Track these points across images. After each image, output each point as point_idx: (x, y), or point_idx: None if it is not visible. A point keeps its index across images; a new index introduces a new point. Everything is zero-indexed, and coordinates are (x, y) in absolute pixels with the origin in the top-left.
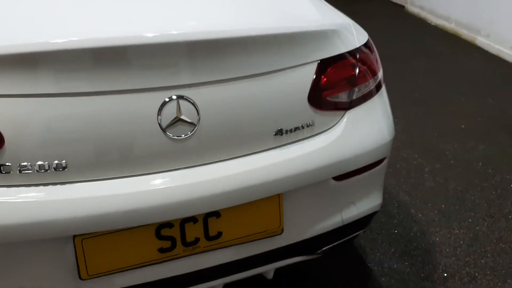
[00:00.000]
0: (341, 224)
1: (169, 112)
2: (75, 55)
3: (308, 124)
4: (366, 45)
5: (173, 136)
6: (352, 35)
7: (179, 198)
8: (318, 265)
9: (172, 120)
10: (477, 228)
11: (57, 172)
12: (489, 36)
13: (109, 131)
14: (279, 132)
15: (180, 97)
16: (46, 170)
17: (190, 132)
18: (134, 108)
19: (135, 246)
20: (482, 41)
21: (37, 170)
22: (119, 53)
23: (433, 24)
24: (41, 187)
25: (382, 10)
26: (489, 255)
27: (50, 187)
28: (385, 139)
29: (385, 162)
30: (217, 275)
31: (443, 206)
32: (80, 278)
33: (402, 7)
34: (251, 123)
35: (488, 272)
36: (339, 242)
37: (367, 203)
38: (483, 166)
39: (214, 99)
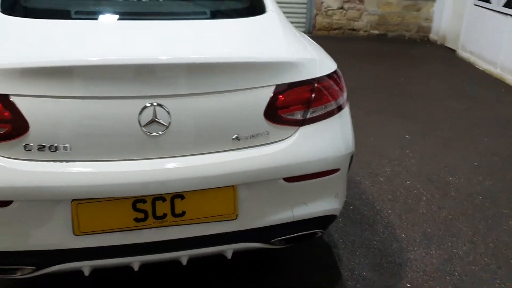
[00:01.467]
0: (291, 220)
1: (147, 115)
2: (86, 70)
3: (263, 133)
4: (330, 75)
5: (149, 132)
6: (313, 67)
7: (151, 179)
8: (292, 263)
9: (149, 121)
10: (454, 251)
11: (63, 152)
12: None
13: (102, 126)
14: (236, 138)
15: (156, 104)
16: (56, 150)
17: (162, 132)
18: (122, 110)
19: (116, 214)
20: None
21: (49, 150)
22: (113, 69)
23: (480, 68)
24: (52, 162)
25: (435, 54)
26: (456, 273)
27: (57, 163)
28: (338, 153)
29: (339, 173)
30: (181, 247)
31: (428, 230)
32: (73, 233)
33: (454, 51)
34: (213, 128)
35: None
36: (291, 235)
37: (319, 206)
38: (482, 199)
39: (184, 107)
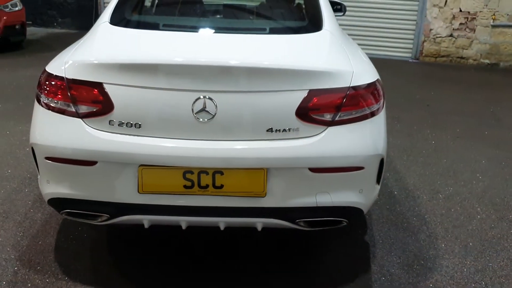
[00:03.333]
0: (315, 205)
1: (199, 105)
2: (157, 67)
3: (294, 129)
4: (366, 85)
5: (199, 119)
6: (347, 77)
7: (198, 155)
8: (327, 254)
9: (200, 109)
10: (490, 264)
11: (136, 129)
12: None
13: (165, 110)
14: (270, 130)
15: (207, 97)
16: (131, 126)
17: (209, 119)
18: (181, 100)
19: (170, 180)
20: None
21: (126, 126)
22: (177, 68)
23: None
24: (127, 136)
25: None
26: (483, 283)
27: (131, 136)
28: (365, 152)
29: (364, 171)
30: (219, 214)
31: (471, 244)
32: (138, 191)
33: None
34: (251, 120)
35: None
36: (314, 219)
37: (342, 197)
38: None
39: (229, 101)
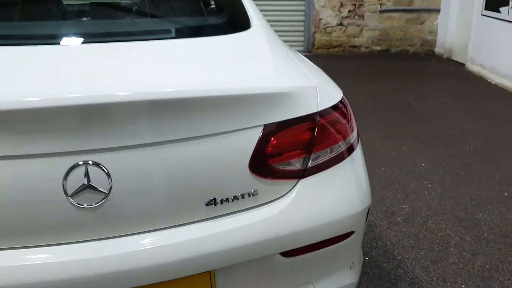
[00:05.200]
0: None
1: (76, 178)
2: None
3: (250, 193)
4: (335, 106)
5: (80, 204)
6: (313, 97)
7: (84, 274)
8: None
9: (79, 187)
10: None
11: None
12: None
13: (9, 197)
14: (212, 202)
15: (89, 162)
16: None
17: (101, 201)
18: (38, 174)
19: None
20: None
21: None
22: (14, 116)
23: (493, 83)
24: None
25: (442, 69)
26: None
27: None
28: (353, 210)
29: (354, 236)
30: None
31: (463, 287)
32: None
33: (463, 65)
34: (176, 192)
35: None
36: None
37: (331, 283)
38: None
39: (128, 164)
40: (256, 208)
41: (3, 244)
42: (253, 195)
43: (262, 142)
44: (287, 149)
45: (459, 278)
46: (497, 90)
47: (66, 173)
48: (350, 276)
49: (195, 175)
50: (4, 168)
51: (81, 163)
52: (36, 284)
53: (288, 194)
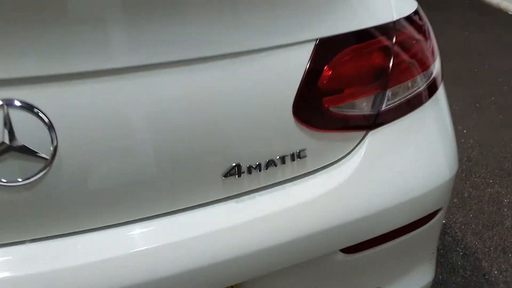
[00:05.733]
0: None
1: None
2: None
3: (294, 155)
4: (410, 18)
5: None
6: (387, 1)
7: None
8: None
9: None
10: None
11: None
12: None
13: None
14: (232, 172)
15: (12, 103)
16: None
17: (37, 174)
18: None
19: None
20: None
21: None
22: None
23: None
24: None
25: (457, 0)
26: None
27: None
28: (441, 179)
29: (440, 215)
30: None
31: None
32: None
33: None
34: (172, 154)
35: None
36: None
37: (406, 285)
38: None
39: (89, 107)
40: (303, 180)
41: None
42: (298, 157)
43: (314, 69)
44: (351, 82)
45: None
46: None
47: None
48: (430, 271)
49: (206, 124)
50: None
51: None
52: None
53: (351, 156)
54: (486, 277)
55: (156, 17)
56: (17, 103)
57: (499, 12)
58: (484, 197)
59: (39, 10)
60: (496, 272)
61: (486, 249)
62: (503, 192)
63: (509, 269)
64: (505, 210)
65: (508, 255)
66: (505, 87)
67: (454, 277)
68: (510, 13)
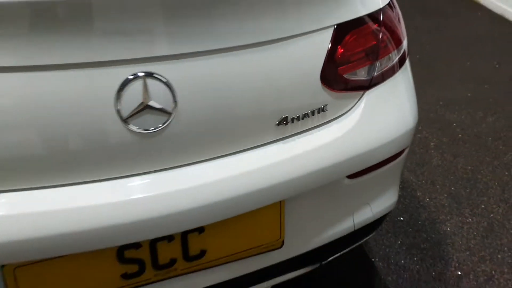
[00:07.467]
0: (352, 230)
1: (133, 96)
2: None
3: (320, 109)
4: (390, 5)
5: (138, 129)
6: None
7: (148, 214)
8: None
9: (137, 107)
10: (491, 216)
11: None
12: None
13: (45, 123)
14: (283, 121)
15: (148, 74)
16: None
17: (163, 124)
18: (82, 91)
19: (89, 273)
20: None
21: None
22: (46, 10)
23: None
24: None
25: None
26: (506, 249)
27: None
28: (409, 126)
29: (405, 152)
30: None
31: (452, 188)
32: None
33: None
34: (246, 109)
35: (506, 270)
36: (346, 250)
37: (382, 202)
38: (494, 141)
39: (196, 77)
40: (325, 126)
41: (48, 181)
42: (322, 111)
43: (333, 48)
44: (356, 55)
45: (446, 181)
46: None
47: (119, 89)
48: (396, 193)
49: (266, 89)
50: (41, 82)
51: (140, 75)
52: (82, 232)
53: (354, 109)
54: (421, 203)
55: (234, 13)
56: (153, 74)
57: None
58: (415, 141)
59: (174, 10)
60: (428, 199)
61: (420, 182)
62: (430, 137)
63: (438, 197)
64: (432, 151)
65: (436, 186)
66: (428, 45)
67: (397, 204)
68: None
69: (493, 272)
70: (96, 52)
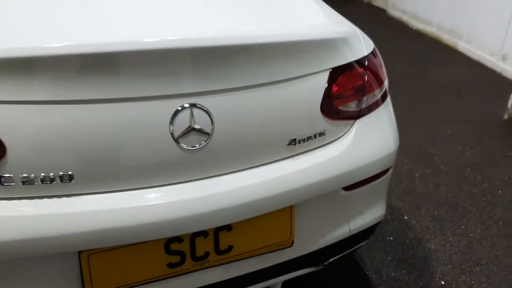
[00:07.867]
0: (348, 235)
1: (182, 121)
2: (78, 61)
3: (320, 133)
4: (373, 52)
5: (186, 146)
6: (360, 43)
7: (190, 212)
8: (319, 273)
9: (185, 129)
10: (471, 235)
11: (63, 183)
12: (471, 41)
13: (118, 141)
14: (292, 142)
15: (193, 105)
16: (51, 182)
17: (204, 142)
18: (145, 117)
19: (143, 262)
20: (463, 46)
21: (41, 182)
22: (122, 59)
23: (414, 28)
24: (46, 199)
25: (363, 14)
26: (483, 262)
27: (55, 199)
28: (392, 148)
29: (390, 171)
30: None
31: (436, 212)
32: None
33: (384, 10)
34: (265, 132)
35: (483, 280)
36: (344, 253)
37: (373, 213)
38: (472, 171)
39: (227, 107)
40: (324, 147)
41: (117, 186)
42: (322, 135)
43: (330, 85)
44: (347, 91)
45: (430, 206)
46: (419, 35)
47: (172, 116)
48: (384, 206)
49: (279, 117)
50: (116, 111)
51: (187, 105)
52: (141, 225)
53: (346, 135)
54: (408, 225)
55: (256, 65)
56: (196, 105)
57: (400, 24)
58: (401, 172)
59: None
60: (414, 222)
61: (406, 207)
62: (414, 168)
63: (423, 220)
64: (417, 181)
65: (421, 211)
66: (410, 89)
67: (387, 226)
68: (410, 26)
69: (472, 282)
70: (157, 88)
